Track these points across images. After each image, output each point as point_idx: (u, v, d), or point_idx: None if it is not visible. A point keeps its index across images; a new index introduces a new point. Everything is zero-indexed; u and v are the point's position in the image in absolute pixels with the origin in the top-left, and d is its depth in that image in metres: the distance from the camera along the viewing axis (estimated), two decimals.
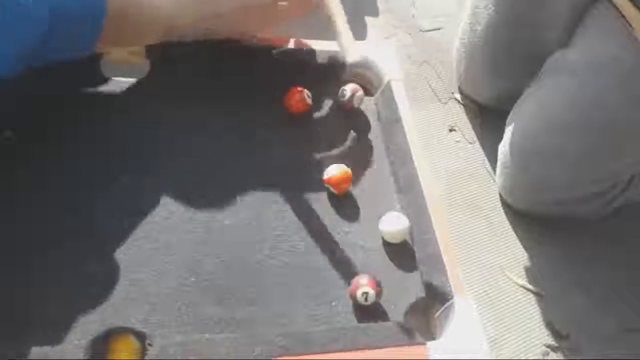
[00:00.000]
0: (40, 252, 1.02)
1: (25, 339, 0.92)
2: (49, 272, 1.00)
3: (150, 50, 1.30)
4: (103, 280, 1.02)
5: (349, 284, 1.09)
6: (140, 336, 0.95)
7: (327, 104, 1.39)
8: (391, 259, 1.17)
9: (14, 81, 1.00)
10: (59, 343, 0.92)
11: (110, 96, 1.27)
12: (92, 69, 1.27)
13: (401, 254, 1.17)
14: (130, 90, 1.29)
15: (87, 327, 0.95)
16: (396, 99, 1.38)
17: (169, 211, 1.13)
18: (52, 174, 1.12)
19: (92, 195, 1.11)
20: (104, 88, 1.28)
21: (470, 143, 2.19)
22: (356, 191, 1.25)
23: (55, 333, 0.94)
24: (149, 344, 0.95)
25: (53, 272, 1.00)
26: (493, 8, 2.07)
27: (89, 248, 1.05)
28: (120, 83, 1.29)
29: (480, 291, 1.84)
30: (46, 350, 0.90)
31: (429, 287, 1.11)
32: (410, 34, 2.48)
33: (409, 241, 1.19)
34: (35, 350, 0.89)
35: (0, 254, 1.00)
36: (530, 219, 2.02)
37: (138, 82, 1.31)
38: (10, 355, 0.88)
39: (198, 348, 0.93)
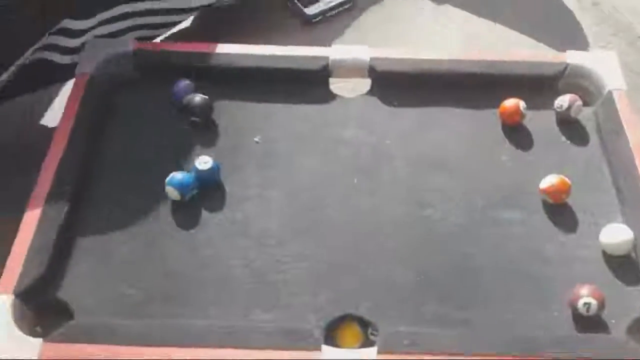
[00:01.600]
0: (283, 240, 1.17)
1: (273, 314, 1.07)
2: (294, 258, 1.14)
3: (372, 68, 1.42)
4: (332, 272, 1.13)
5: (566, 293, 1.08)
6: (365, 324, 1.05)
7: (544, 114, 1.39)
8: (613, 272, 1.13)
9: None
10: (301, 322, 1.05)
11: (337, 110, 1.40)
12: (322, 85, 1.43)
13: (624, 267, 1.13)
14: (355, 104, 1.42)
15: (322, 312, 1.07)
16: (619, 109, 1.34)
17: (392, 214, 1.22)
18: (288, 174, 1.28)
19: (329, 194, 1.25)
20: (332, 102, 1.42)
21: None
22: (574, 202, 1.23)
23: (297, 314, 1.07)
24: (372, 333, 1.04)
25: (297, 258, 1.14)
26: None
27: (321, 239, 1.18)
28: (345, 98, 1.43)
29: None
30: (291, 326, 1.04)
31: None
32: (628, 42, 2.33)
33: (633, 255, 1.15)
34: (278, 326, 1.04)
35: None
36: None
37: (360, 97, 1.43)
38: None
39: (421, 340, 1.00)
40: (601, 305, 1.04)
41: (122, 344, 1.01)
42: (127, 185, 1.25)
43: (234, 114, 1.39)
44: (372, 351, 0.99)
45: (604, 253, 1.15)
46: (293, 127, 1.37)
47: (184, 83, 1.38)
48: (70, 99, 1.36)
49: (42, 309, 1.09)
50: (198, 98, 1.35)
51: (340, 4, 2.09)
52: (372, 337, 1.04)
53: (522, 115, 1.35)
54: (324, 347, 0.99)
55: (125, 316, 1.07)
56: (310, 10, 2.06)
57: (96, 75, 1.39)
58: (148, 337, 1.02)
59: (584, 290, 1.05)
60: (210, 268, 1.14)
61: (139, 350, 1.00)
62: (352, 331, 1.06)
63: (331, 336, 1.04)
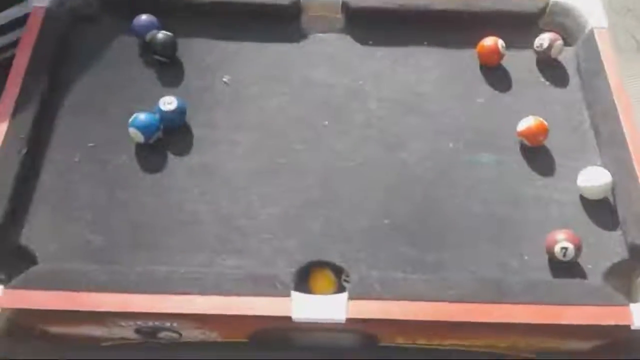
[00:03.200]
0: (252, 184, 1.13)
1: (242, 260, 1.04)
2: (263, 202, 1.11)
3: (345, 5, 1.35)
4: (302, 216, 1.10)
5: (542, 238, 1.06)
6: (338, 270, 1.02)
7: (523, 54, 1.33)
8: (590, 216, 1.11)
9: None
10: (270, 268, 1.02)
11: (309, 49, 1.34)
12: (293, 22, 1.36)
13: (601, 211, 1.11)
14: (327, 42, 1.35)
15: (292, 258, 1.03)
16: (600, 49, 1.29)
17: (363, 156, 1.18)
18: (257, 116, 1.23)
19: (300, 137, 1.19)
20: (303, 41, 1.35)
21: None
22: (552, 144, 1.20)
23: (266, 260, 1.04)
24: (345, 280, 1.01)
25: (267, 202, 1.11)
26: None
27: (291, 183, 1.13)
28: (317, 36, 1.36)
29: None
30: (260, 273, 1.01)
31: (634, 248, 1.04)
32: None
33: (610, 198, 1.13)
34: (246, 272, 1.00)
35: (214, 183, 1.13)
36: None
37: (333, 36, 1.36)
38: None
39: (392, 285, 0.98)
40: (578, 250, 1.02)
41: (86, 290, 0.97)
42: (88, 128, 1.19)
43: (201, 53, 1.31)
44: (342, 297, 0.96)
45: (582, 197, 1.13)
46: (263, 66, 1.30)
47: (146, 18, 1.29)
48: (25, 34, 1.27)
49: (3, 256, 1.04)
50: (161, 35, 1.27)
51: None
52: (345, 284, 1.01)
53: (501, 55, 1.30)
54: (294, 294, 0.96)
55: (89, 262, 1.03)
56: None
57: (53, 9, 1.30)
58: (112, 284, 0.98)
59: (561, 234, 1.03)
60: (176, 213, 1.09)
61: (102, 297, 0.97)
62: (325, 278, 1.03)
63: (304, 283, 1.01)
